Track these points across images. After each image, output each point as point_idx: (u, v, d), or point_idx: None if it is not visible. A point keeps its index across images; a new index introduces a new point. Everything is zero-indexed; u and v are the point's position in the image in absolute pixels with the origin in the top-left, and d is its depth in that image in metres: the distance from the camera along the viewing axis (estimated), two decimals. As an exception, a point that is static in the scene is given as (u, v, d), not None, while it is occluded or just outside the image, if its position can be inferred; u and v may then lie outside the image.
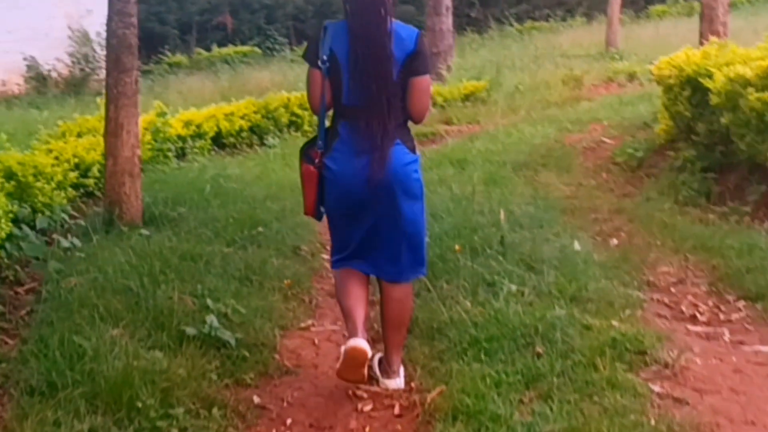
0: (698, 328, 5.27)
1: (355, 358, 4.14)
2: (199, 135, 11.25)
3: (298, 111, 13.14)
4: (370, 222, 4.34)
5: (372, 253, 4.42)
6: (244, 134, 12.12)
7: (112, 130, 6.95)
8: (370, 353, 4.21)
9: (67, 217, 7.05)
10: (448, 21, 18.95)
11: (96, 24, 19.46)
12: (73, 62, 19.48)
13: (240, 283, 5.64)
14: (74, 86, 19.25)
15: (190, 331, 4.66)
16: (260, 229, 6.94)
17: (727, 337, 5.11)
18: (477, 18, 31.95)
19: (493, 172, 9.67)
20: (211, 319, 4.74)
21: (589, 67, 19.82)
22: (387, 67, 4.16)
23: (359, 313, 4.30)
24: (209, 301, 4.99)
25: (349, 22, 4.23)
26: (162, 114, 10.59)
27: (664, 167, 9.46)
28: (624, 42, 23.11)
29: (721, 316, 5.45)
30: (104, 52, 19.31)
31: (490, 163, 10.28)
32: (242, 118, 12.15)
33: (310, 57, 4.29)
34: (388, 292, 4.52)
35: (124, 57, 6.89)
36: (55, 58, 18.90)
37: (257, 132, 12.44)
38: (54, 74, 19.09)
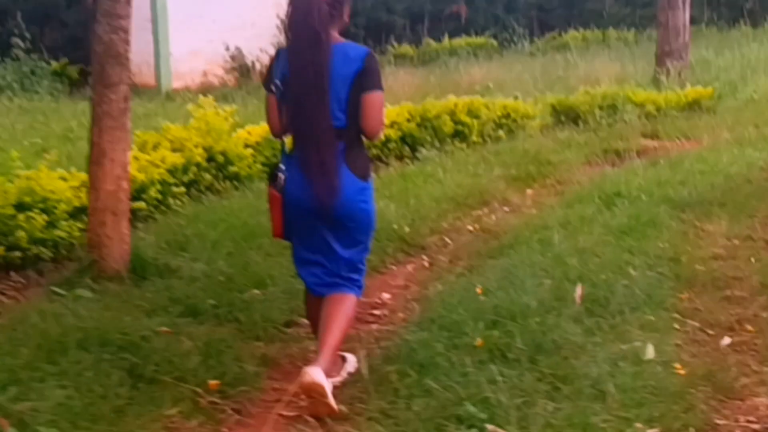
0: None
1: (312, 392, 4.10)
2: (331, 146, 9.85)
3: (465, 119, 11.49)
4: (316, 241, 4.40)
5: (315, 268, 4.49)
6: (391, 145, 10.60)
7: (95, 158, 5.71)
8: (326, 384, 4.09)
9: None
10: (684, 16, 16.66)
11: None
12: (278, 53, 18.62)
13: (128, 386, 4.20)
14: (278, 78, 18.39)
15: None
16: (255, 291, 5.48)
17: None
18: (753, 10, 28.72)
19: (641, 214, 7.70)
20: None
21: None
22: (320, 89, 4.16)
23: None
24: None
25: (288, 47, 4.28)
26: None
27: None
28: None
29: None
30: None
31: (648, 200, 8.29)
32: (390, 126, 10.65)
33: (266, 82, 4.38)
34: (332, 303, 4.46)
35: (109, 68, 5.62)
36: (260, 49, 18.07)
37: (410, 142, 10.88)
38: (258, 65, 18.29)
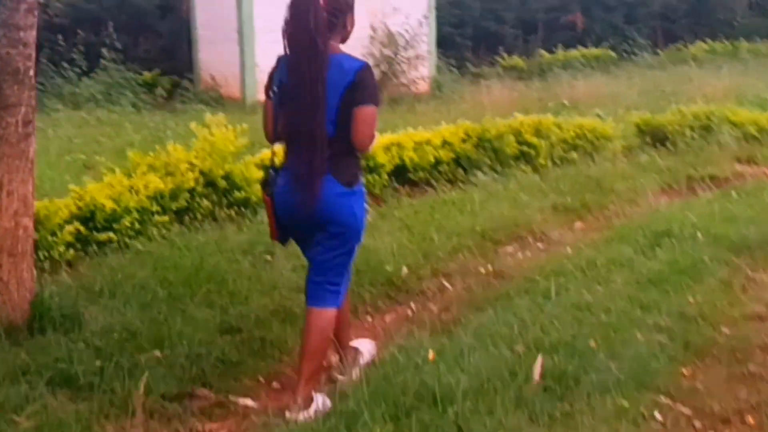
0: None
1: None
2: (371, 168, 9.01)
3: (532, 139, 10.45)
4: (306, 244, 4.51)
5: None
6: (442, 167, 9.67)
7: (-10, 190, 4.98)
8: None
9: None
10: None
11: (400, 23, 17.81)
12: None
13: None
14: (370, 90, 17.58)
15: None
16: (156, 353, 4.68)
17: None
18: None
19: (683, 259, 6.62)
20: None
21: None
22: (315, 98, 4.16)
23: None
24: None
25: (286, 55, 4.29)
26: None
27: None
28: None
29: None
30: (408, 54, 17.90)
31: (701, 241, 7.15)
32: (443, 146, 9.74)
33: (266, 88, 4.43)
34: (309, 317, 4.48)
35: (7, 87, 4.87)
36: (350, 60, 17.31)
37: (465, 165, 9.93)
38: (348, 77, 17.52)
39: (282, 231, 4.50)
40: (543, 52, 22.53)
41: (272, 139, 4.47)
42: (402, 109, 15.97)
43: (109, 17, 18.97)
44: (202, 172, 7.54)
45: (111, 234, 6.65)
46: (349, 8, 4.43)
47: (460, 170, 9.88)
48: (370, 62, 15.86)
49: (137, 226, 6.87)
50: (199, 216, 7.46)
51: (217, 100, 17.11)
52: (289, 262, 6.23)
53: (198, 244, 6.41)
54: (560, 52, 22.44)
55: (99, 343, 4.71)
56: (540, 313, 5.42)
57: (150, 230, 6.95)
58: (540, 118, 10.88)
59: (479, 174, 9.84)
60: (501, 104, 15.59)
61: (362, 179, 4.50)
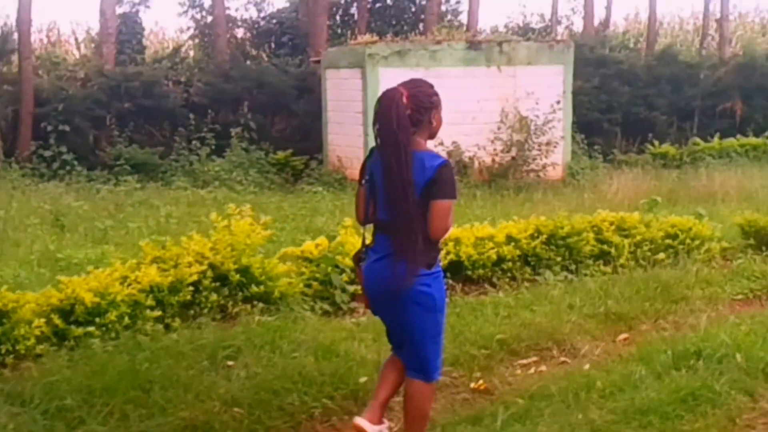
0: None
1: None
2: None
3: (613, 238, 9.83)
4: (389, 317, 4.95)
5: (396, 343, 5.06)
6: (505, 265, 9.19)
7: None
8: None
9: None
10: None
11: (531, 108, 17.38)
12: (496, 149, 17.36)
13: None
14: (496, 176, 17.16)
15: None
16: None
17: None
18: None
19: (692, 384, 5.94)
20: None
21: None
22: (402, 192, 4.55)
23: (379, 393, 5.08)
24: None
25: (379, 151, 4.71)
26: (332, 237, 8.39)
27: None
28: None
29: None
30: (540, 140, 17.41)
31: (733, 363, 6.41)
32: (508, 242, 9.27)
33: (359, 176, 4.92)
34: (405, 384, 5.04)
35: None
36: (476, 145, 16.96)
37: (533, 263, 9.41)
38: (476, 162, 17.16)
39: (369, 302, 4.98)
40: (698, 140, 21.52)
41: (363, 221, 4.93)
42: (520, 197, 15.53)
43: (247, 97, 19.31)
44: (212, 266, 7.35)
45: (91, 328, 6.52)
46: (434, 106, 4.76)
47: (527, 269, 9.36)
48: (498, 148, 15.50)
49: (127, 320, 6.72)
50: (206, 311, 7.26)
51: (340, 182, 17.11)
52: (249, 369, 5.90)
53: (163, 345, 6.16)
54: (716, 141, 21.36)
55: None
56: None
57: (143, 325, 6.79)
58: (623, 215, 10.26)
59: (548, 273, 9.30)
60: (628, 195, 14.92)
61: (440, 261, 4.90)
